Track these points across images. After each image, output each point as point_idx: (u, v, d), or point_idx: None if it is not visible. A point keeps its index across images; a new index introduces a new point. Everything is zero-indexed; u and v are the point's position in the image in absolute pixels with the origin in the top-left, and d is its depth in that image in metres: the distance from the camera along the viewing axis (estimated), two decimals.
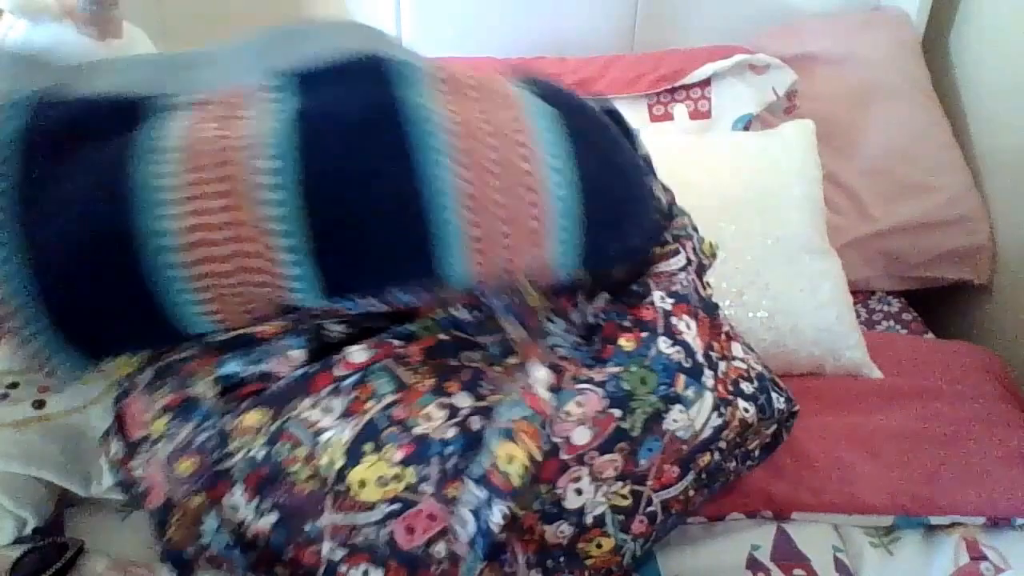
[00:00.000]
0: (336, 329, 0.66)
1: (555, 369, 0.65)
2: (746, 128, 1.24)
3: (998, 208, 1.23)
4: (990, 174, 1.25)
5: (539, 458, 0.61)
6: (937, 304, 1.29)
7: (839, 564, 0.74)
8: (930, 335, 1.16)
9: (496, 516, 0.58)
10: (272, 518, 0.62)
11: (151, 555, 0.73)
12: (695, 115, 1.26)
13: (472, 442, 0.63)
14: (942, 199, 1.22)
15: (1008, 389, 1.00)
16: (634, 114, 1.27)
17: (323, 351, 0.66)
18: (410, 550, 0.61)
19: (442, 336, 0.66)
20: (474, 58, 1.35)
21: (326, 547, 0.62)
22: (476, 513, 0.59)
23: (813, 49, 1.33)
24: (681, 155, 1.10)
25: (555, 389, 0.64)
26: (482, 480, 0.60)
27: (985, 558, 0.74)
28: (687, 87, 1.27)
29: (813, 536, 0.77)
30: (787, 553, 0.75)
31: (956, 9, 1.34)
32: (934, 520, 0.78)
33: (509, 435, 0.60)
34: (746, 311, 0.99)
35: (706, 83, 1.27)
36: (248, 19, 1.45)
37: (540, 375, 0.64)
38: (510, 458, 0.59)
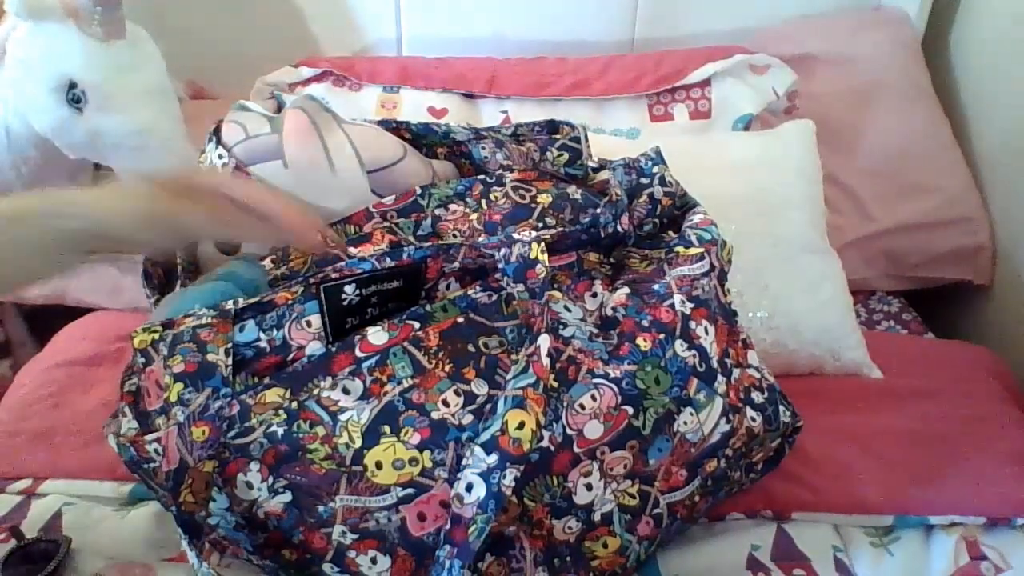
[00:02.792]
0: (349, 291, 0.67)
1: (571, 362, 0.65)
2: (746, 128, 1.24)
3: (998, 208, 1.23)
4: (990, 174, 1.25)
5: (544, 423, 0.62)
6: (937, 304, 1.29)
7: (839, 564, 0.74)
8: (930, 335, 1.16)
9: (508, 479, 0.58)
10: (285, 498, 0.62)
11: (150, 554, 0.73)
12: (695, 115, 1.26)
13: None
14: (942, 199, 1.22)
15: (1008, 389, 1.00)
16: (634, 114, 1.27)
17: (337, 316, 0.67)
18: (420, 538, 0.62)
19: (459, 319, 0.67)
20: (474, 58, 1.35)
21: (337, 530, 0.62)
22: (485, 477, 0.59)
23: (813, 49, 1.33)
24: (681, 155, 1.09)
25: (570, 382, 0.64)
26: (492, 446, 0.60)
27: (985, 558, 0.74)
28: (687, 87, 1.27)
29: (813, 536, 0.77)
30: (787, 553, 0.75)
31: (956, 9, 1.34)
32: (934, 520, 0.78)
33: (519, 403, 0.61)
34: (746, 311, 0.98)
35: (706, 83, 1.27)
36: (248, 19, 1.45)
37: (544, 344, 0.64)
38: (521, 424, 0.60)
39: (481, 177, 0.85)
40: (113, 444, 0.66)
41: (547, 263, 0.68)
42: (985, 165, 1.26)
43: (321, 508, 0.62)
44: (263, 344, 0.66)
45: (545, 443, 0.62)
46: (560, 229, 0.74)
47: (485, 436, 0.61)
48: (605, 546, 0.65)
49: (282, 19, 1.45)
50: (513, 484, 0.59)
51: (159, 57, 1.02)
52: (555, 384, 0.64)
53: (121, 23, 0.96)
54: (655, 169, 0.84)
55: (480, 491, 0.59)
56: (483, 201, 0.81)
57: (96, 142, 0.99)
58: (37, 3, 0.92)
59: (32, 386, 0.95)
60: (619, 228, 0.77)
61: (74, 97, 0.95)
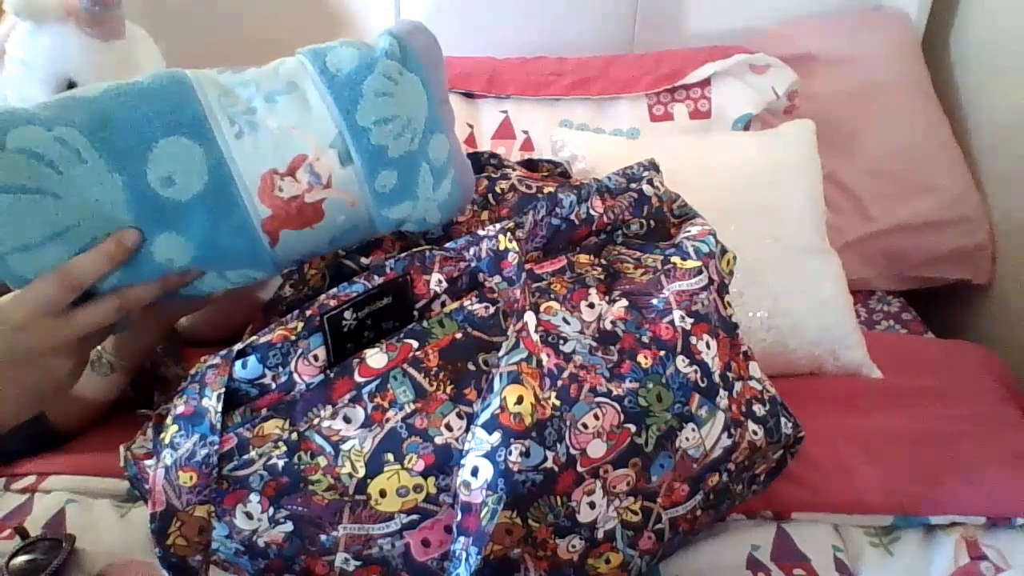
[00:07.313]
0: (348, 316, 0.66)
1: (574, 380, 0.65)
2: (746, 128, 1.24)
3: (998, 208, 1.23)
4: (990, 174, 1.25)
5: (541, 398, 0.61)
6: (937, 304, 1.29)
7: (839, 564, 0.74)
8: (930, 335, 1.16)
9: (514, 455, 0.58)
10: (286, 528, 0.61)
11: (150, 553, 0.73)
12: (695, 115, 1.26)
13: None
14: (942, 199, 1.22)
15: (1008, 389, 1.00)
16: (634, 114, 1.27)
17: (338, 344, 0.66)
18: (424, 563, 0.61)
19: (458, 335, 0.66)
20: (474, 58, 1.35)
21: (339, 558, 0.61)
22: (491, 456, 0.58)
23: (813, 49, 1.33)
24: (681, 155, 1.10)
25: (573, 400, 0.64)
26: (494, 424, 0.59)
27: (985, 558, 0.74)
28: (687, 87, 1.27)
29: (813, 536, 0.77)
30: (787, 553, 0.75)
31: (956, 9, 1.34)
32: (934, 520, 0.78)
33: (515, 378, 0.60)
34: (746, 311, 0.99)
35: (706, 83, 1.27)
36: (248, 19, 1.46)
37: (531, 320, 0.64)
38: (519, 399, 0.59)
39: (485, 174, 0.85)
40: (121, 456, 0.66)
41: (517, 249, 0.68)
42: (985, 165, 1.26)
43: (323, 537, 0.61)
44: (268, 381, 0.65)
45: (549, 464, 0.61)
46: (528, 217, 0.74)
47: (485, 416, 0.60)
48: (608, 562, 0.65)
49: (282, 18, 1.45)
50: (519, 460, 0.58)
51: (159, 57, 1.02)
52: (557, 403, 0.63)
53: (121, 23, 0.96)
54: (645, 174, 0.84)
55: (487, 472, 0.58)
56: (489, 195, 0.81)
57: None
58: (37, 3, 0.92)
59: None
60: (591, 211, 0.77)
61: None
